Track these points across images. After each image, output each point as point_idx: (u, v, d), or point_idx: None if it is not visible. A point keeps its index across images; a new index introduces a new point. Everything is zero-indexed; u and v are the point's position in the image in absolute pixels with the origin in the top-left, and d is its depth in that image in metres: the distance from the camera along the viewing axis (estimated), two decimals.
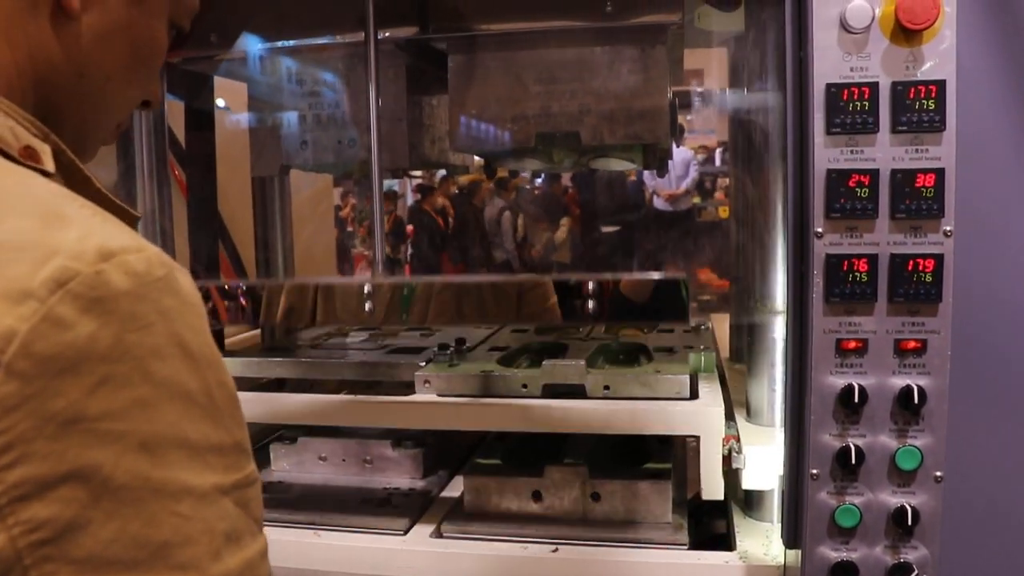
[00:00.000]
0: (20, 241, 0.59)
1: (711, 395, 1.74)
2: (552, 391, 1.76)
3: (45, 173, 0.73)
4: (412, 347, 2.15)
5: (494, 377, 1.83)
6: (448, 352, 1.95)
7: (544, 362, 1.82)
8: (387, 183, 13.67)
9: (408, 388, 1.88)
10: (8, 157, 0.71)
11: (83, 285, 0.58)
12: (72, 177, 0.78)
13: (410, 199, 12.84)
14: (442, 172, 11.52)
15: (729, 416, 1.72)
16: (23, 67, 0.78)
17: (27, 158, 0.72)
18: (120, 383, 0.58)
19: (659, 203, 11.48)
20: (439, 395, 1.81)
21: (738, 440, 1.66)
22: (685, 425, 1.67)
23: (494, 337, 2.23)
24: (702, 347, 1.97)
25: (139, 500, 0.58)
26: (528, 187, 14.21)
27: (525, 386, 1.78)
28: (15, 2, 0.76)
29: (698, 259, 10.95)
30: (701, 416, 1.65)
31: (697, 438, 1.64)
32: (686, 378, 1.74)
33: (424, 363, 1.93)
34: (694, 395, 1.73)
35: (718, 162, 13.10)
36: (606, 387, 1.75)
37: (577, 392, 1.75)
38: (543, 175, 12.47)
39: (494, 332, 2.28)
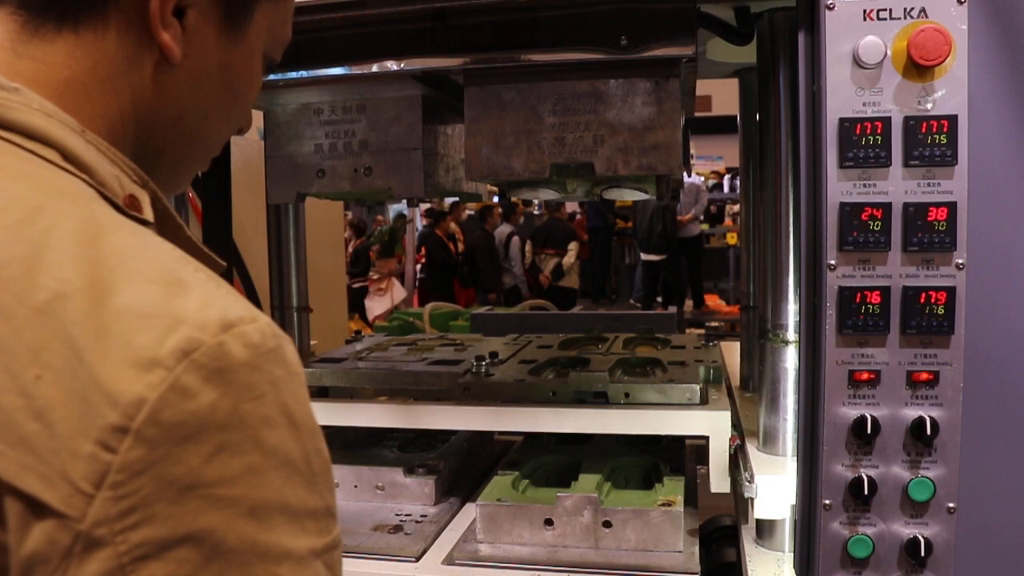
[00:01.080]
0: (147, 308, 0.61)
1: (719, 401, 1.91)
2: (578, 398, 1.93)
3: (144, 222, 0.74)
4: (450, 359, 2.32)
5: (527, 385, 2.01)
6: (484, 363, 2.09)
7: (571, 373, 1.99)
8: (396, 207, 13.74)
9: (446, 395, 2.05)
10: (115, 206, 0.72)
11: (206, 356, 0.61)
12: (165, 224, 0.79)
13: (419, 223, 12.88)
14: (452, 199, 11.57)
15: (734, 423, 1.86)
16: (126, 114, 0.81)
17: (130, 207, 0.74)
18: (235, 450, 0.61)
19: None
20: (478, 401, 1.98)
21: (742, 440, 1.80)
22: (696, 426, 1.84)
23: (522, 352, 2.41)
24: (711, 361, 2.15)
25: (246, 563, 0.61)
26: (536, 213, 14.28)
27: (554, 393, 1.95)
28: (121, 53, 0.78)
29: (706, 285, 10.96)
30: (710, 419, 1.82)
31: (706, 439, 1.81)
32: (696, 387, 1.90)
33: (464, 373, 2.08)
34: (704, 401, 1.90)
35: (726, 188, 13.15)
36: (626, 394, 1.92)
37: (600, 399, 1.92)
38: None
39: (521, 348, 2.48)
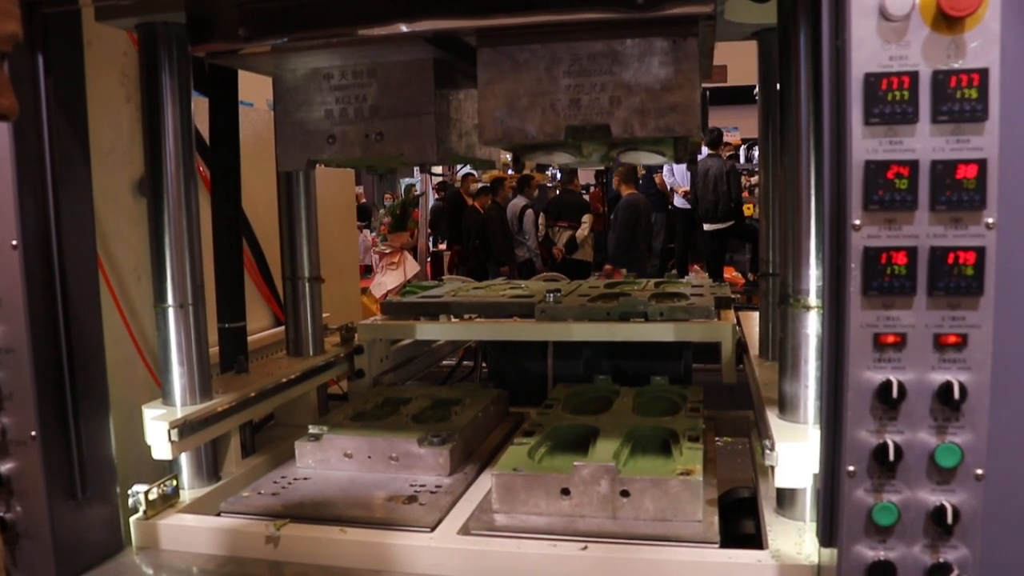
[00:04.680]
0: None
1: (727, 318, 2.66)
2: (625, 317, 2.61)
3: None
4: (522, 295, 3.03)
5: (588, 307, 2.69)
6: (553, 294, 2.81)
7: (620, 298, 2.78)
8: (407, 180, 13.66)
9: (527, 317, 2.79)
10: None
11: None
12: None
13: (432, 198, 12.79)
14: (465, 169, 11.44)
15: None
16: None
17: None
18: None
19: (678, 201, 11.38)
20: (552, 320, 2.69)
21: (747, 346, 2.44)
22: (711, 335, 2.56)
23: (577, 290, 3.12)
24: (722, 293, 2.93)
25: None
26: (550, 185, 14.14)
27: (608, 313, 2.62)
28: None
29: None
30: (721, 328, 2.57)
31: (719, 344, 2.54)
32: (712, 306, 2.65)
33: (539, 301, 2.77)
34: (717, 317, 2.63)
35: (742, 159, 13.00)
36: (661, 313, 2.61)
37: (642, 316, 2.61)
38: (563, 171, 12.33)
39: (576, 287, 3.23)
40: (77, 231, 1.74)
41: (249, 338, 2.48)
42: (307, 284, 2.50)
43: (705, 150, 10.34)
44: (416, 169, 9.00)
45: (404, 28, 1.65)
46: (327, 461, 2.08)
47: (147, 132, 1.95)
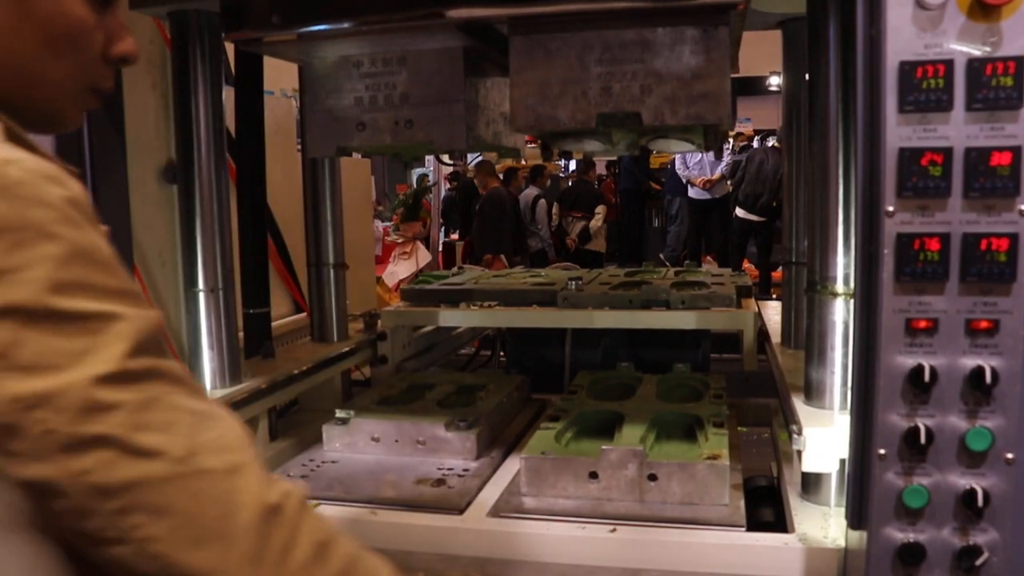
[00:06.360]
0: None
1: (748, 305, 2.65)
2: (646, 305, 2.58)
3: None
4: (545, 282, 3.02)
5: (610, 295, 2.67)
6: (575, 283, 2.76)
7: (642, 286, 2.78)
8: (419, 170, 13.66)
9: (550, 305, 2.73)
10: None
11: None
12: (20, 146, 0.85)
13: (444, 188, 12.79)
14: (478, 157, 11.44)
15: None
16: None
17: None
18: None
19: (693, 192, 11.37)
20: (574, 307, 2.65)
21: (768, 335, 2.45)
22: (733, 323, 2.54)
23: (598, 278, 3.14)
24: (743, 282, 2.92)
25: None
26: (563, 176, 14.15)
27: (630, 301, 2.60)
28: None
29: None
30: (743, 317, 2.52)
31: (740, 332, 2.52)
32: (734, 295, 2.61)
33: (562, 289, 2.73)
34: (737, 306, 2.59)
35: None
36: (682, 301, 2.58)
37: (664, 304, 2.57)
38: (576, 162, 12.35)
39: (597, 275, 3.23)
40: (114, 216, 1.76)
41: (272, 324, 2.51)
42: (331, 271, 2.52)
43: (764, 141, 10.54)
44: (429, 158, 9.00)
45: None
46: (354, 445, 2.11)
47: (179, 119, 1.97)
